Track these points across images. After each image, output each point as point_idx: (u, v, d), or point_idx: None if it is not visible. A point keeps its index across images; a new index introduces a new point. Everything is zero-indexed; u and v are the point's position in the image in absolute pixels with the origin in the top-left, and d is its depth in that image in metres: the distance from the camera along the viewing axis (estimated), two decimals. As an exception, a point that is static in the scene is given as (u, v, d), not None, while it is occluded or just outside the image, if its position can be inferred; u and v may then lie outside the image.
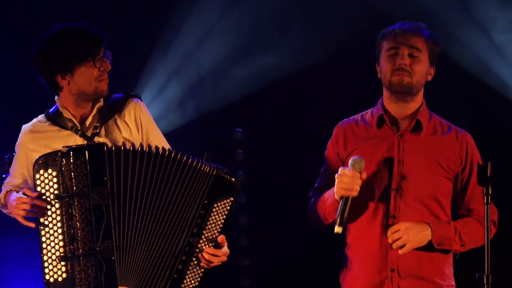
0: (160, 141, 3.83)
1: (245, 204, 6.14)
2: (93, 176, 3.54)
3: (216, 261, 3.61)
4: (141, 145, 3.61)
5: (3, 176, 4.02)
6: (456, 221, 3.86)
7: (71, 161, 3.53)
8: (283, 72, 5.95)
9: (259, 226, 6.07)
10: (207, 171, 3.62)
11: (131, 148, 3.59)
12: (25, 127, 3.82)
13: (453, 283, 3.90)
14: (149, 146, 3.62)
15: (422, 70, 3.82)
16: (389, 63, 3.82)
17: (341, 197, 3.68)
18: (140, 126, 3.82)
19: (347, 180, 3.67)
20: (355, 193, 3.67)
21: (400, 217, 3.78)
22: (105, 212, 3.54)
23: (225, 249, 3.65)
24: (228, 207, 3.63)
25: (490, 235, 3.79)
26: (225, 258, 3.65)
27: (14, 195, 3.67)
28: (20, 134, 3.83)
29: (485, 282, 3.50)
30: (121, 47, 5.61)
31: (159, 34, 5.99)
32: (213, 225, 3.61)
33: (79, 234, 3.52)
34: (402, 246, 3.73)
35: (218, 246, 3.63)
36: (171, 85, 6.07)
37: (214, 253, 3.60)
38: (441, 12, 5.84)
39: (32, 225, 3.59)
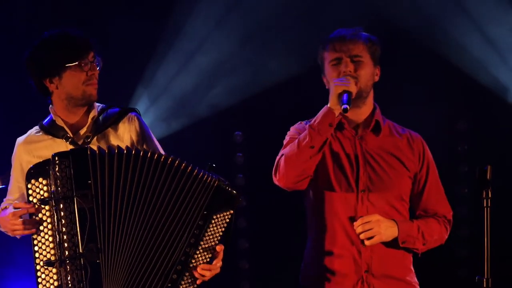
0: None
1: (245, 207, 6.14)
2: (77, 179, 3.53)
3: (208, 275, 3.59)
4: (128, 148, 3.58)
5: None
6: (418, 220, 3.89)
7: (57, 166, 3.53)
8: (283, 75, 5.96)
9: (259, 229, 6.07)
10: (208, 181, 3.58)
11: (117, 151, 3.56)
12: (19, 139, 3.84)
13: (416, 280, 3.92)
14: (138, 150, 3.58)
15: (367, 73, 3.85)
16: (334, 72, 3.85)
17: (340, 93, 3.72)
18: (136, 139, 3.81)
19: (345, 80, 3.72)
20: (353, 88, 3.73)
21: None
22: (88, 215, 3.52)
23: (219, 261, 3.61)
24: (228, 220, 3.59)
25: (445, 234, 3.89)
26: (217, 271, 3.62)
27: (6, 212, 3.66)
28: (15, 147, 3.84)
29: (485, 285, 3.51)
30: (120, 50, 5.64)
31: (158, 37, 5.99)
32: (211, 237, 3.58)
33: (65, 238, 3.51)
34: (370, 238, 3.75)
35: (214, 257, 3.60)
36: (170, 88, 6.08)
37: (208, 268, 3.58)
38: (440, 14, 5.84)
39: (32, 231, 3.58)
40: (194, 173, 3.58)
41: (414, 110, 5.65)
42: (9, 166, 3.90)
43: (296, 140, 3.78)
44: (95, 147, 3.68)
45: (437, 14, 5.83)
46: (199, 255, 3.58)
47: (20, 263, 5.64)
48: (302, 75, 5.90)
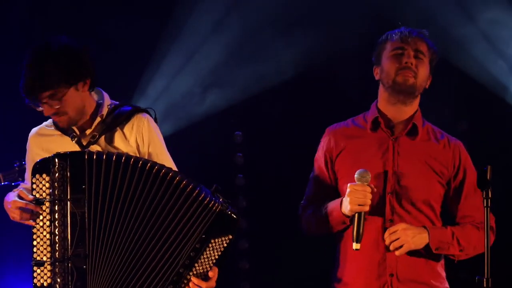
0: (162, 160, 3.76)
1: (245, 207, 6.14)
2: (73, 183, 3.53)
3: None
4: (127, 156, 3.56)
5: (13, 184, 4.04)
6: (453, 226, 3.86)
7: (56, 167, 3.53)
8: (284, 75, 5.95)
9: (259, 230, 6.06)
10: (210, 206, 3.54)
11: (114, 158, 3.54)
12: (33, 131, 3.86)
13: (448, 286, 3.89)
14: (136, 159, 3.56)
15: (425, 73, 3.85)
16: (394, 62, 3.82)
17: (354, 213, 3.66)
18: (142, 142, 3.77)
19: (360, 195, 3.65)
20: (367, 208, 3.66)
21: (397, 221, 3.78)
22: (79, 220, 3.51)
23: (212, 282, 3.59)
24: (225, 244, 3.56)
25: (490, 240, 3.82)
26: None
27: (11, 197, 3.69)
28: (28, 138, 3.86)
29: (485, 286, 3.50)
30: (120, 50, 5.64)
31: (158, 36, 5.99)
32: (206, 260, 3.56)
33: (57, 240, 3.52)
34: (399, 248, 3.72)
35: (206, 279, 3.58)
36: (171, 88, 6.07)
37: (199, 284, 3.56)
38: (440, 14, 5.84)
39: (32, 223, 3.60)
40: (195, 194, 3.54)
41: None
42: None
43: (314, 218, 3.89)
44: (99, 147, 3.68)
45: (437, 14, 5.83)
46: (192, 277, 3.55)
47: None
48: (303, 76, 5.90)
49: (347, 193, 3.67)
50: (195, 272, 3.55)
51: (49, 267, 3.53)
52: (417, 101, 3.90)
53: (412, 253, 3.76)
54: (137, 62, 5.93)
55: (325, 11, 5.87)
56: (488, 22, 5.82)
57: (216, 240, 3.55)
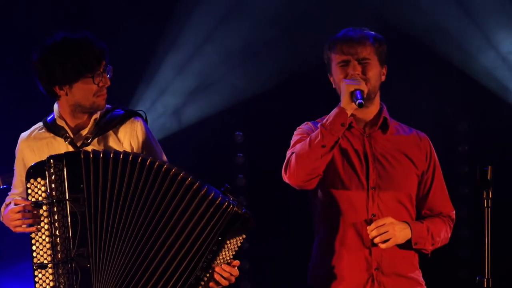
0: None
1: (246, 207, 6.13)
2: (70, 183, 3.51)
3: (223, 283, 3.55)
4: (125, 153, 3.53)
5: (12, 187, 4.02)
6: (425, 220, 3.89)
7: (51, 169, 3.52)
8: (284, 76, 5.96)
9: (259, 230, 6.05)
10: (225, 207, 3.53)
11: (112, 155, 3.52)
12: (23, 135, 3.82)
13: (422, 279, 3.93)
14: (135, 155, 3.53)
15: (375, 74, 3.85)
16: (342, 74, 3.84)
17: (352, 91, 3.72)
18: (136, 146, 3.75)
19: (354, 81, 3.72)
20: (364, 87, 3.73)
21: (380, 215, 3.80)
22: (80, 220, 3.50)
23: (235, 271, 3.58)
24: (240, 244, 3.57)
25: (449, 233, 3.90)
26: (232, 279, 3.58)
27: (7, 209, 3.67)
28: (18, 142, 3.82)
29: (485, 286, 3.50)
30: (121, 50, 5.64)
31: (159, 38, 5.99)
32: (221, 261, 3.54)
33: (58, 241, 3.51)
34: (386, 241, 3.75)
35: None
36: (172, 88, 6.08)
37: (229, 270, 3.55)
38: (441, 15, 5.84)
39: (32, 229, 3.58)
40: (211, 197, 3.52)
41: (415, 111, 5.65)
42: (9, 166, 3.90)
43: (308, 139, 3.77)
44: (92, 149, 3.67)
45: (438, 15, 5.83)
46: (210, 277, 3.54)
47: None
48: (303, 76, 5.90)
49: (342, 87, 3.75)
50: (211, 272, 3.53)
51: (51, 270, 3.52)
52: (377, 99, 3.93)
53: (394, 247, 3.79)
54: (137, 63, 5.93)
55: (325, 11, 5.88)
56: (489, 21, 5.83)
57: (231, 241, 3.55)
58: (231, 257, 3.56)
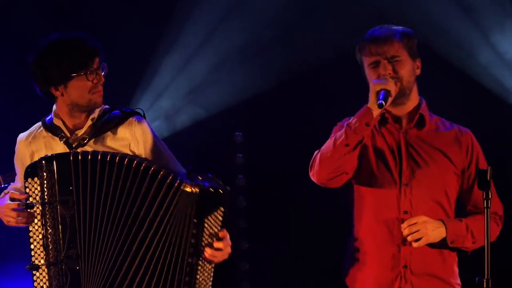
0: (162, 157, 3.75)
1: (245, 207, 6.14)
2: (60, 185, 3.53)
3: (219, 256, 3.55)
4: (112, 154, 3.54)
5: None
6: (467, 218, 3.86)
7: (43, 170, 3.54)
8: (283, 76, 5.96)
9: (259, 230, 6.06)
10: (190, 191, 3.51)
11: (100, 157, 3.53)
12: (22, 135, 3.84)
13: (459, 282, 3.90)
14: (122, 156, 3.54)
15: (407, 70, 3.83)
16: (374, 75, 3.83)
17: (378, 91, 3.71)
18: (135, 146, 3.74)
19: (382, 81, 3.72)
20: (392, 86, 3.71)
21: (412, 212, 3.79)
22: (69, 222, 3.51)
23: (226, 240, 3.56)
24: (221, 218, 3.54)
25: (497, 231, 3.86)
26: (228, 250, 3.58)
27: (2, 201, 3.69)
28: (17, 142, 3.84)
29: (485, 286, 3.50)
30: (121, 50, 5.64)
31: (159, 37, 5.99)
32: (209, 236, 3.54)
33: (49, 243, 3.53)
34: (418, 240, 3.73)
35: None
36: (171, 89, 6.08)
37: (217, 247, 3.54)
38: (442, 16, 5.84)
39: (24, 225, 3.60)
40: (170, 181, 3.51)
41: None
42: (9, 166, 3.91)
43: (333, 138, 3.77)
44: (90, 150, 3.67)
45: (439, 16, 5.83)
46: (204, 258, 3.54)
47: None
48: (303, 76, 5.90)
49: (370, 86, 3.73)
50: (203, 256, 3.53)
51: (45, 272, 3.55)
52: (415, 94, 3.90)
53: (427, 246, 3.77)
54: (137, 63, 5.93)
55: (325, 11, 5.88)
56: (490, 22, 5.82)
57: (210, 218, 3.52)
58: (218, 228, 3.54)
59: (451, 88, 5.95)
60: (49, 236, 3.53)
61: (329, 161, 3.75)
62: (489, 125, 5.89)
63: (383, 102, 3.65)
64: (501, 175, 3.96)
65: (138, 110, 3.84)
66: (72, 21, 5.74)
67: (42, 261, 3.55)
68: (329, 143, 3.77)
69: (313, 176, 3.82)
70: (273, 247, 6.00)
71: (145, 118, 3.84)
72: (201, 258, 3.53)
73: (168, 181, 3.52)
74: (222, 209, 3.54)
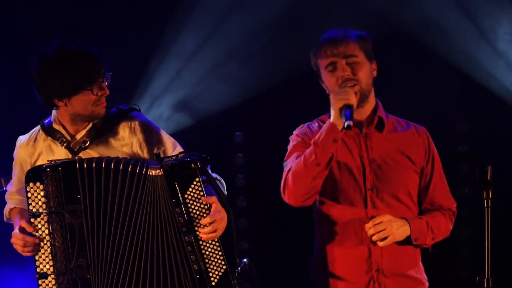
0: (166, 147, 3.78)
1: (245, 208, 6.14)
2: (67, 193, 3.52)
3: (214, 230, 3.51)
4: (116, 160, 3.54)
5: None
6: (425, 215, 3.88)
7: (49, 178, 3.52)
8: (284, 76, 5.96)
9: (259, 230, 6.06)
10: (154, 173, 3.53)
11: (104, 165, 3.52)
12: (21, 139, 3.82)
13: (425, 276, 3.91)
14: (118, 162, 3.54)
15: (365, 72, 3.79)
16: (332, 79, 3.78)
17: (342, 107, 3.64)
18: (137, 142, 3.75)
19: (342, 94, 3.64)
20: (353, 100, 3.64)
21: (378, 215, 3.79)
22: (77, 231, 3.51)
23: (217, 207, 3.52)
24: (200, 187, 3.50)
25: (451, 226, 3.89)
26: (224, 223, 3.53)
27: (16, 223, 3.68)
28: (16, 146, 3.82)
29: (485, 286, 3.51)
30: (121, 50, 5.64)
31: (159, 37, 5.99)
32: (196, 209, 3.51)
33: (58, 252, 3.52)
34: (384, 239, 3.73)
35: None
36: (171, 89, 6.08)
37: (208, 225, 3.50)
38: (441, 16, 5.85)
39: (29, 254, 3.59)
40: (138, 171, 3.52)
41: (415, 111, 5.65)
42: (11, 168, 3.90)
43: (302, 158, 3.71)
44: (92, 152, 3.67)
45: (438, 16, 5.83)
46: (201, 230, 3.51)
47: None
48: (303, 76, 5.90)
49: (331, 101, 3.67)
50: (199, 225, 3.50)
51: (53, 281, 3.53)
52: (371, 96, 3.88)
53: (394, 246, 3.77)
54: (137, 63, 5.93)
55: (325, 11, 5.88)
56: (489, 22, 5.83)
57: (188, 192, 3.51)
58: (202, 194, 3.51)
59: (451, 88, 5.95)
60: (57, 245, 3.51)
61: (302, 182, 3.70)
62: (489, 125, 5.90)
63: (351, 123, 3.59)
64: (501, 175, 3.96)
65: (134, 106, 3.84)
66: (71, 23, 5.74)
67: (50, 270, 3.53)
68: (299, 164, 3.70)
69: (289, 199, 3.76)
70: (273, 246, 6.00)
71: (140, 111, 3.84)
72: (198, 233, 3.51)
73: (137, 172, 3.52)
74: (197, 179, 3.50)
